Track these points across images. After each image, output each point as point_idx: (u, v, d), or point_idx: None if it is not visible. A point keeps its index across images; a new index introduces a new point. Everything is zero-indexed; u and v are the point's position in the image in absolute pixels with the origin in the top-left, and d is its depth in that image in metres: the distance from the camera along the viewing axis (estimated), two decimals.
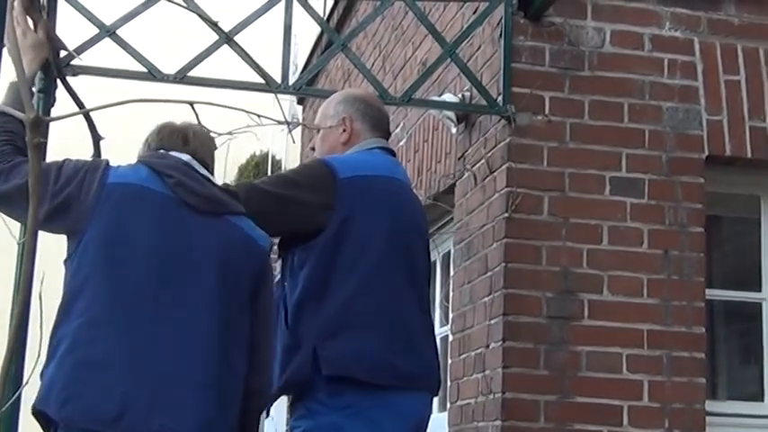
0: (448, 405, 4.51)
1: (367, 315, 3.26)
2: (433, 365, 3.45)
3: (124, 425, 2.71)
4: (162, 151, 3.01)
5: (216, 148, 3.14)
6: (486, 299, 4.09)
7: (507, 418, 3.80)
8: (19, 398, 3.13)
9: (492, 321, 3.99)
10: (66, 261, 2.89)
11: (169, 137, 3.06)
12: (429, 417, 3.43)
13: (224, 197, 3.03)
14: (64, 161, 2.94)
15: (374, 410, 3.23)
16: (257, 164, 12.11)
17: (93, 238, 2.85)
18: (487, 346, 4.02)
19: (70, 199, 2.88)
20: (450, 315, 4.64)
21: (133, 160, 3.06)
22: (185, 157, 3.00)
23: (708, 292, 4.10)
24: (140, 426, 2.74)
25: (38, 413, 2.75)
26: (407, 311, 3.38)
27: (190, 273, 2.91)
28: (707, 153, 4.14)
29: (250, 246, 3.02)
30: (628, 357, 3.92)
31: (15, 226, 2.99)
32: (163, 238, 2.90)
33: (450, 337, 4.56)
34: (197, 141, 3.07)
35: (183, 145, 3.04)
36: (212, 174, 3.10)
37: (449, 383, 4.40)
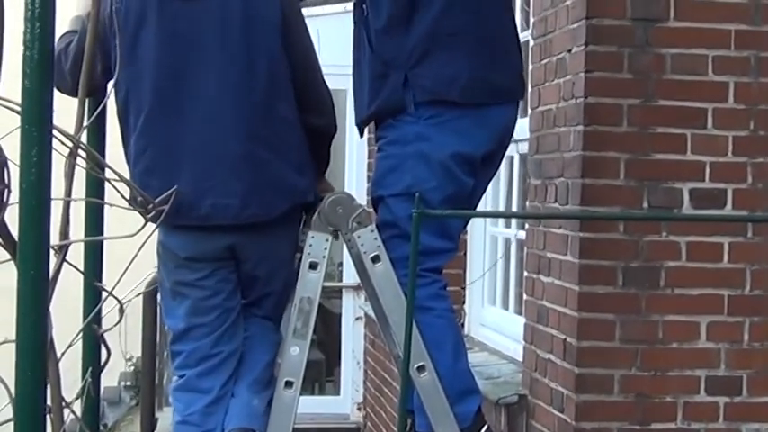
0: (529, 111, 4.50)
1: (456, 34, 3.21)
2: (521, 74, 3.42)
3: (182, 219, 3.03)
4: None
5: None
6: (568, 2, 3.98)
7: (589, 122, 3.78)
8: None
9: (574, 25, 3.90)
10: None
11: None
12: (515, 123, 3.44)
13: None
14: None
15: (462, 120, 3.23)
16: None
17: (120, 56, 3.11)
18: (569, 51, 3.95)
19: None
20: (531, 20, 4.55)
21: None
22: None
23: None
24: (193, 213, 3.06)
25: None
26: (495, 23, 3.31)
27: (200, 56, 3.09)
28: None
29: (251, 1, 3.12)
30: (713, 59, 3.82)
31: None
32: (167, 36, 3.10)
33: (531, 42, 4.49)
34: None
35: None
36: None
37: (530, 89, 4.37)
